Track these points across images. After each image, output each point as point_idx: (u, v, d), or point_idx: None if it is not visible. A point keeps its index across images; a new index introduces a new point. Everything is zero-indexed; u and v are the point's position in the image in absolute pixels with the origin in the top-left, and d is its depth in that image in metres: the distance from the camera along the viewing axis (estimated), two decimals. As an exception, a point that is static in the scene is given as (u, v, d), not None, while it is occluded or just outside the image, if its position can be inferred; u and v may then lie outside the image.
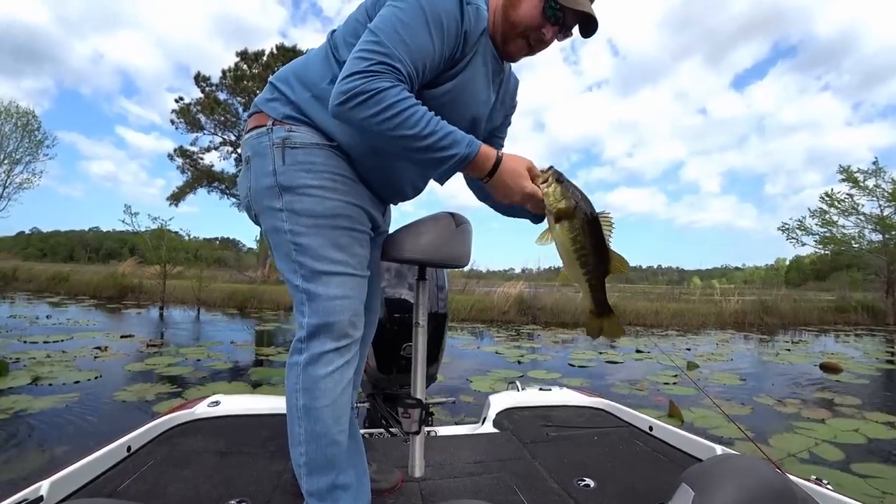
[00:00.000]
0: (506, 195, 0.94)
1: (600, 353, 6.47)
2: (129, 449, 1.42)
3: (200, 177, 19.30)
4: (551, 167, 0.95)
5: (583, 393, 2.26)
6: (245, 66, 19.00)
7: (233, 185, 21.45)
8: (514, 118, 1.28)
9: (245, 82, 18.95)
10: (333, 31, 1.04)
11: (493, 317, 10.46)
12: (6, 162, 20.35)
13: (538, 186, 0.93)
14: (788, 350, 7.39)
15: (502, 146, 1.27)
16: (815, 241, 13.23)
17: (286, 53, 18.90)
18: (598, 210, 0.96)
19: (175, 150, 18.62)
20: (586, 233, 0.93)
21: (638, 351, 6.76)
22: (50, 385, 4.09)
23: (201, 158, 18.87)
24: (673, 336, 9.01)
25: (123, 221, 11.60)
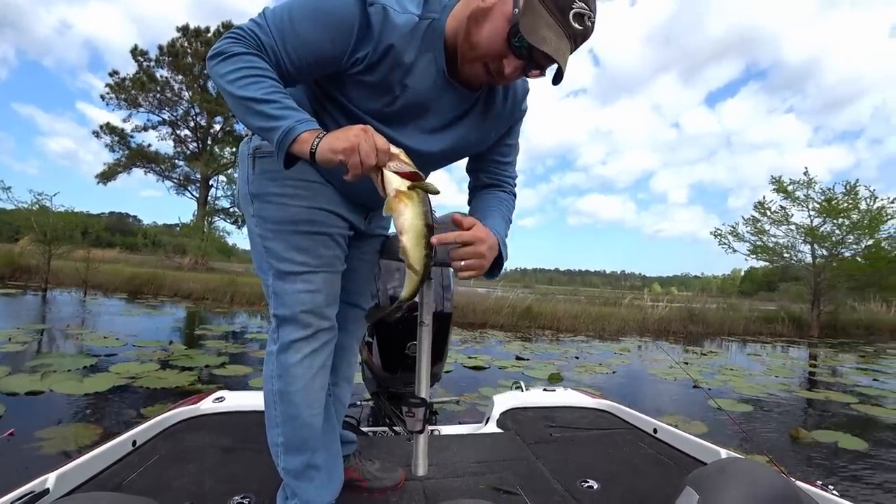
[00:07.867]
0: (331, 156, 0.80)
1: (470, 357, 5.93)
2: (134, 443, 1.42)
3: (133, 156, 18.27)
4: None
5: (587, 394, 2.24)
6: (186, 43, 18.03)
7: (172, 168, 20.34)
8: None
9: (185, 59, 17.98)
10: None
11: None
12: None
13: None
14: (687, 363, 6.92)
15: (508, 158, 1.22)
16: (748, 249, 12.99)
17: (231, 31, 18.01)
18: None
19: (102, 126, 17.49)
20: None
21: (518, 358, 6.25)
22: None
23: (132, 137, 17.79)
24: (579, 342, 8.56)
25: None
